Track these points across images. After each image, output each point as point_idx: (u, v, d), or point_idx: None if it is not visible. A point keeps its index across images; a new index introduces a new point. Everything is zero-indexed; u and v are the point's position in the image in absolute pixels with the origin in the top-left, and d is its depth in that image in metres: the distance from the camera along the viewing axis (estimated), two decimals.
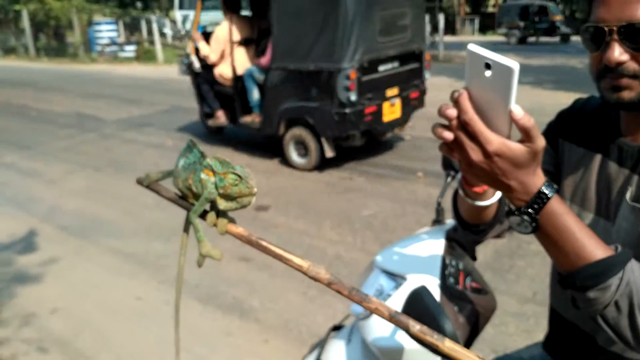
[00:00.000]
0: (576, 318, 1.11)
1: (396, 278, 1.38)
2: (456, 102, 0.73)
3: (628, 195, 0.97)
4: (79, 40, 22.50)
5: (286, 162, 6.24)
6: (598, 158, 1.05)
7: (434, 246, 1.43)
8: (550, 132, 1.17)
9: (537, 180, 0.76)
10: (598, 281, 0.78)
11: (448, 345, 0.70)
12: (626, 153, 1.00)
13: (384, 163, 6.19)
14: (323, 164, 5.98)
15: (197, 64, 6.73)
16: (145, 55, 20.14)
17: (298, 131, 5.94)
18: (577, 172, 1.09)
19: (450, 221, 1.61)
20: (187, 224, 0.91)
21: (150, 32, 22.25)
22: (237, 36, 6.37)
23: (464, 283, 1.40)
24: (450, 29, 22.75)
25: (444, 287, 1.30)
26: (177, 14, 33.35)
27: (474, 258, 1.57)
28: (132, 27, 27.97)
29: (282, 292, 3.49)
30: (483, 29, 28.71)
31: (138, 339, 3.07)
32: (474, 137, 0.73)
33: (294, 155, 6.11)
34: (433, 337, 0.71)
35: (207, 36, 6.70)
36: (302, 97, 5.75)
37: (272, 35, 5.81)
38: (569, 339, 1.16)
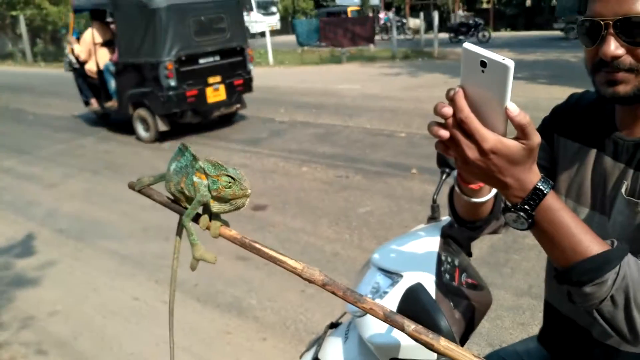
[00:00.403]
0: (571, 312, 1.11)
1: (392, 275, 1.39)
2: (452, 100, 0.73)
3: (623, 189, 0.97)
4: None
5: (285, 161, 6.25)
6: (593, 153, 1.05)
7: (429, 243, 1.43)
8: (546, 127, 1.16)
9: (533, 176, 0.77)
10: (594, 276, 0.78)
11: (443, 344, 0.70)
12: (621, 147, 1.00)
13: (380, 161, 6.20)
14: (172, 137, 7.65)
15: (73, 61, 8.44)
16: None
17: (141, 111, 7.68)
18: (572, 167, 1.09)
19: (445, 218, 1.62)
20: (180, 228, 0.90)
21: None
22: (99, 39, 8.13)
23: (459, 279, 1.41)
24: (445, 26, 22.79)
25: (440, 283, 1.30)
26: None
27: (469, 254, 1.58)
28: None
29: (280, 290, 3.50)
30: None
31: (137, 340, 3.08)
32: (469, 135, 0.73)
33: (140, 130, 7.85)
34: (428, 336, 0.71)
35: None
36: (140, 84, 7.53)
37: (117, 37, 7.68)
38: (564, 332, 1.16)
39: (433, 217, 1.70)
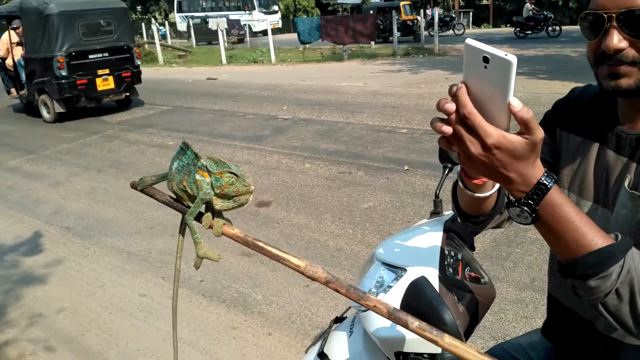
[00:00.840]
0: (575, 305, 1.11)
1: (396, 270, 1.38)
2: (454, 96, 0.73)
3: (626, 183, 0.96)
4: None
5: (288, 157, 6.28)
6: (596, 146, 1.04)
7: (432, 237, 1.43)
8: (548, 121, 1.16)
9: (537, 171, 0.76)
10: (599, 270, 0.77)
11: (447, 340, 0.70)
12: (624, 141, 0.99)
13: (382, 156, 6.22)
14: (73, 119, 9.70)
15: None
16: (145, 58, 20.16)
17: (43, 97, 9.59)
18: (575, 161, 1.08)
19: (448, 212, 1.62)
20: (183, 226, 0.91)
21: (150, 34, 22.24)
22: (15, 38, 9.98)
23: (462, 273, 1.41)
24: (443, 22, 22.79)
25: (443, 277, 1.31)
26: (177, 17, 33.42)
27: (472, 248, 1.58)
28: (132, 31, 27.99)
29: (284, 286, 3.53)
30: (477, 22, 28.68)
31: (144, 336, 3.11)
32: (473, 131, 0.73)
33: (44, 113, 9.74)
34: (432, 333, 0.71)
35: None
36: (41, 75, 9.35)
37: (24, 37, 9.63)
38: (567, 325, 1.15)
39: (436, 212, 1.70)
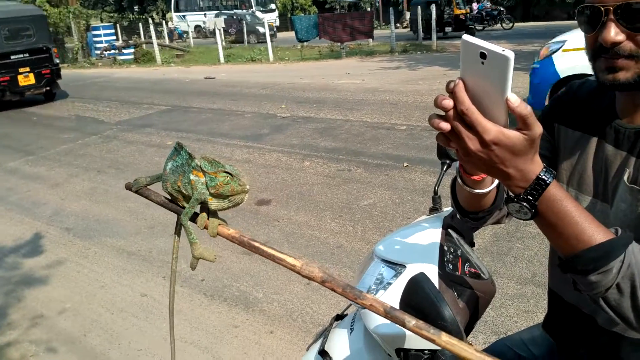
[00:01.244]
0: (575, 299, 1.11)
1: (395, 267, 1.38)
2: (452, 93, 0.73)
3: (626, 177, 0.96)
4: (78, 45, 22.54)
5: (287, 156, 6.28)
6: (594, 141, 1.04)
7: (432, 234, 1.43)
8: (546, 116, 1.15)
9: (535, 167, 0.76)
10: (599, 265, 0.77)
11: (445, 339, 0.70)
12: (623, 135, 0.99)
13: (381, 153, 6.22)
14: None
15: None
16: (143, 58, 20.17)
17: None
18: (573, 155, 1.08)
19: (447, 209, 1.62)
20: (178, 227, 0.90)
21: (147, 34, 22.23)
22: None
23: (462, 269, 1.40)
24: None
25: (443, 273, 1.31)
26: (174, 16, 33.40)
27: (472, 244, 1.58)
28: (129, 31, 27.95)
29: (285, 284, 3.54)
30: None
31: (145, 335, 3.12)
32: (471, 127, 0.73)
33: None
34: (429, 332, 0.71)
35: None
36: None
37: None
38: (568, 320, 1.15)
39: (435, 208, 1.70)
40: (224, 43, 19.75)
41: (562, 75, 6.21)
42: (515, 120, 0.73)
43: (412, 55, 15.96)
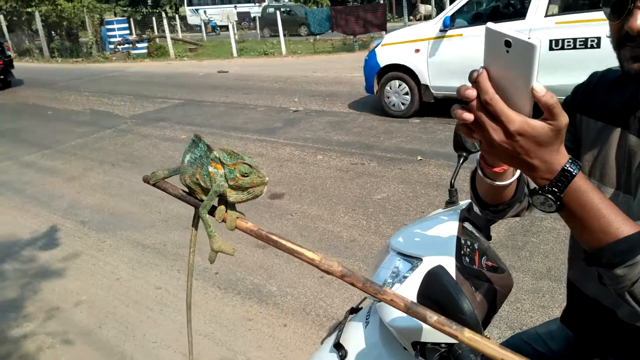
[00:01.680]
0: (596, 293, 1.09)
1: (412, 260, 1.37)
2: (475, 82, 0.71)
3: None
4: (92, 39, 22.69)
5: (300, 149, 6.28)
6: (617, 131, 1.01)
7: (448, 227, 1.41)
8: (568, 107, 1.12)
9: (561, 158, 0.74)
10: (626, 258, 0.75)
11: (468, 335, 0.68)
12: None
13: (395, 147, 6.19)
14: None
15: None
16: (157, 52, 20.25)
17: None
18: (595, 146, 1.06)
19: (463, 202, 1.61)
20: (196, 220, 0.89)
21: (161, 28, 22.31)
22: None
23: (479, 262, 1.39)
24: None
25: (460, 267, 1.30)
26: (187, 10, 33.49)
27: (488, 237, 1.57)
28: (142, 25, 28.07)
29: (299, 277, 3.54)
30: None
31: (160, 328, 3.14)
32: (494, 117, 0.71)
33: None
34: (452, 328, 0.69)
35: None
36: None
37: None
38: (588, 313, 1.14)
39: (451, 201, 1.68)
40: (236, 37, 19.74)
41: (381, 65, 7.42)
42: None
43: None
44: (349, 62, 14.22)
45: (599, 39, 5.77)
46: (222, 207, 0.86)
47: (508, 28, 0.67)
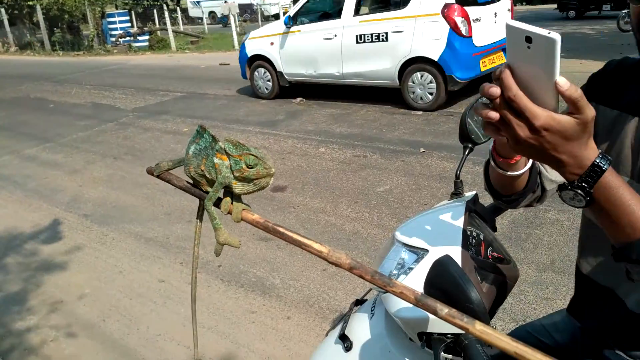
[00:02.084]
0: (613, 283, 1.08)
1: (418, 251, 1.37)
2: (499, 79, 0.70)
3: None
4: (93, 32, 22.65)
5: (302, 142, 6.26)
6: (634, 120, 1.00)
7: (454, 218, 1.41)
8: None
9: (590, 152, 0.73)
10: None
11: (479, 327, 0.67)
12: None
13: (397, 139, 6.17)
14: None
15: None
16: (158, 44, 20.20)
17: None
18: (610, 134, 1.05)
19: (469, 193, 1.61)
20: (201, 212, 0.88)
21: (162, 21, 22.26)
22: None
23: (485, 253, 1.39)
24: None
25: (466, 257, 1.29)
26: (188, 3, 33.40)
27: (494, 228, 1.57)
28: (144, 17, 28.00)
29: (302, 270, 3.54)
30: None
31: (163, 320, 3.14)
32: (519, 113, 0.70)
33: None
34: (463, 320, 0.69)
35: None
36: None
37: None
38: (597, 303, 1.14)
39: (456, 193, 1.68)
40: (238, 29, 19.66)
41: (249, 55, 9.02)
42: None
43: None
44: None
45: (386, 34, 7.25)
46: (228, 198, 0.84)
47: (528, 24, 0.66)
